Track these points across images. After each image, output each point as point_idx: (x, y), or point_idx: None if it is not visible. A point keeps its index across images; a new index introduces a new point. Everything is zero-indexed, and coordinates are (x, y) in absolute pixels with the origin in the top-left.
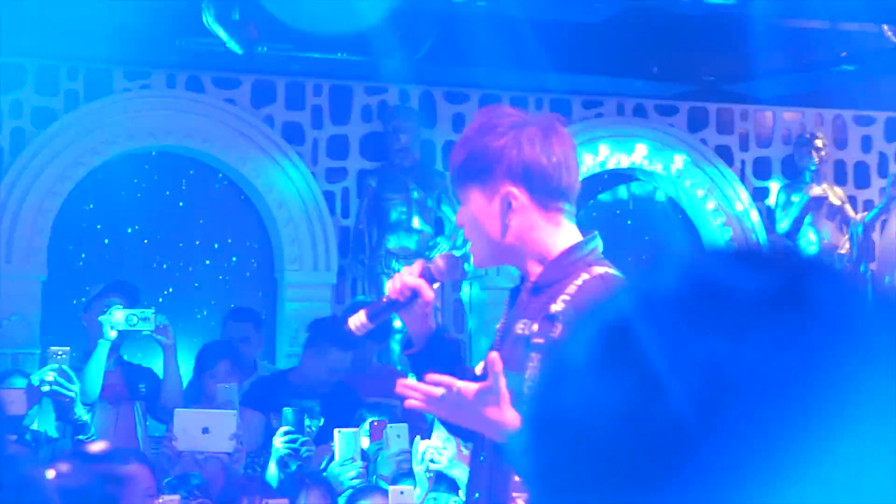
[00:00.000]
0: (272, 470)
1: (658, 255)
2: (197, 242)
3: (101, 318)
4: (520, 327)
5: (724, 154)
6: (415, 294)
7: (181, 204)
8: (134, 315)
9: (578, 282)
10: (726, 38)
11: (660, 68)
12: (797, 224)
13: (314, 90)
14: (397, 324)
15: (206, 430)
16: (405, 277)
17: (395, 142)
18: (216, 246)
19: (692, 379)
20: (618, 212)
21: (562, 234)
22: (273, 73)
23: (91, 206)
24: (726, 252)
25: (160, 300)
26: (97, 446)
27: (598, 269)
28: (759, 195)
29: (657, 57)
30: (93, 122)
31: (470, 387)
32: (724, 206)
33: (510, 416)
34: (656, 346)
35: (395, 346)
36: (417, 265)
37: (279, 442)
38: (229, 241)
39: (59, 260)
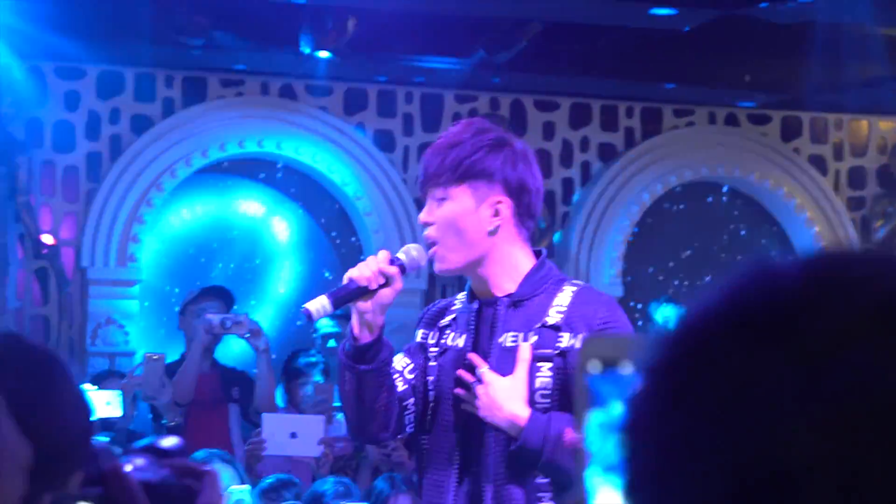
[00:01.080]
0: (364, 475)
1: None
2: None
3: (196, 321)
4: (509, 340)
5: (818, 163)
6: (385, 283)
7: (274, 210)
8: (228, 319)
9: (567, 294)
10: (820, 46)
11: (752, 77)
12: (892, 234)
13: (405, 98)
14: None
15: (294, 435)
16: (382, 264)
17: None
18: (306, 252)
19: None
20: (714, 218)
21: (525, 250)
22: (364, 80)
23: (185, 211)
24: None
25: (252, 303)
26: (169, 441)
27: (577, 282)
28: (853, 205)
29: (749, 66)
30: (188, 129)
31: (498, 377)
32: (817, 216)
33: (525, 411)
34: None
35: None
36: (384, 254)
37: (372, 447)
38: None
39: (154, 264)
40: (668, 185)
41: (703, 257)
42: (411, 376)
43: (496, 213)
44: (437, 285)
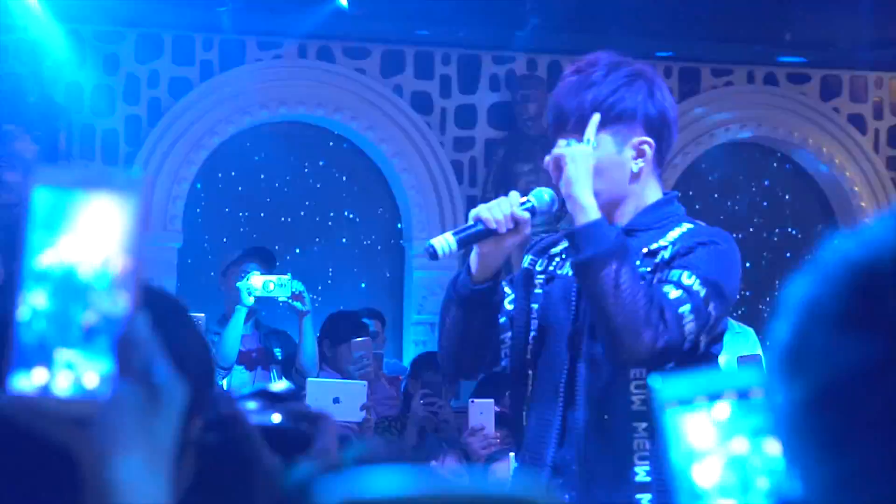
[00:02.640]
0: (411, 434)
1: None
2: (330, 213)
3: (238, 283)
4: None
5: (858, 122)
6: (514, 228)
7: (309, 171)
8: (271, 281)
9: (682, 229)
10: (860, 3)
11: (792, 35)
12: None
13: (442, 59)
14: None
15: (337, 400)
16: (515, 208)
17: (522, 111)
18: (346, 214)
19: None
20: (761, 183)
21: (657, 187)
22: (402, 42)
23: (224, 174)
24: None
25: (294, 269)
26: (280, 385)
27: (699, 223)
28: (893, 164)
29: (789, 24)
30: (226, 91)
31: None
32: (857, 176)
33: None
34: None
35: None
36: (516, 195)
37: (419, 405)
38: (358, 210)
39: (194, 228)
40: (705, 146)
41: (741, 218)
42: (510, 307)
43: (639, 154)
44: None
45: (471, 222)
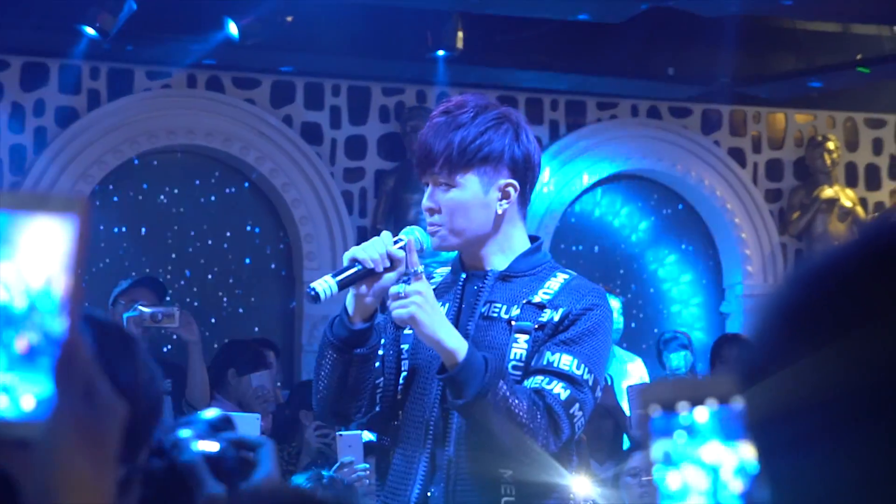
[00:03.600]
0: (303, 463)
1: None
2: (223, 241)
3: (125, 314)
4: (493, 311)
5: (737, 156)
6: (390, 267)
7: (202, 202)
8: (159, 312)
9: (558, 280)
10: (740, 40)
11: (675, 70)
12: (808, 226)
13: (332, 91)
14: None
15: None
16: (389, 247)
17: (412, 142)
18: (239, 242)
19: None
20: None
21: (523, 229)
22: (292, 73)
23: (113, 203)
24: None
25: (184, 299)
26: (212, 413)
27: (571, 272)
28: (771, 197)
29: (672, 58)
30: (114, 121)
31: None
32: (737, 208)
33: (463, 342)
34: None
35: None
36: (388, 235)
37: (312, 436)
38: (249, 239)
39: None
40: (591, 180)
41: (612, 253)
42: (381, 352)
43: (504, 196)
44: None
45: (346, 264)
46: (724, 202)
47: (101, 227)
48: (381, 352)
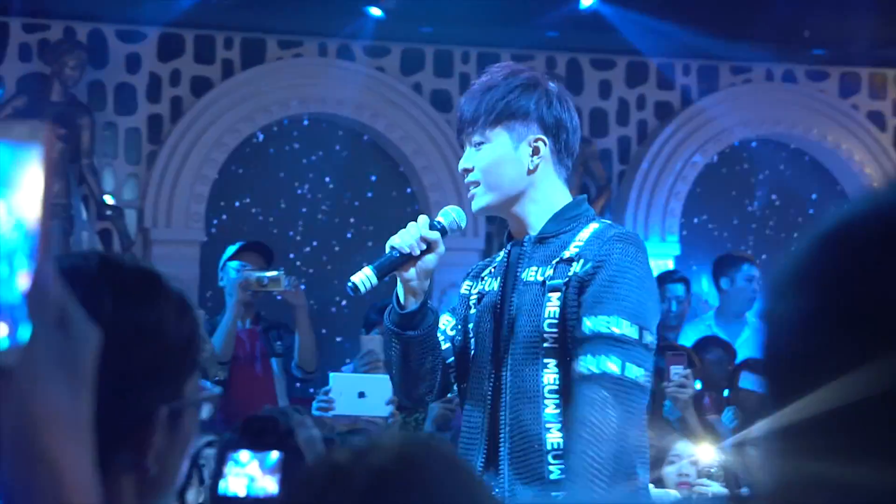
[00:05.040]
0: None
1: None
2: (348, 211)
3: (233, 277)
4: (530, 275)
5: (877, 120)
6: (427, 249)
7: (330, 169)
8: (265, 276)
9: (589, 230)
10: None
11: (811, 32)
12: None
13: (462, 58)
14: None
15: (363, 394)
16: (422, 230)
17: None
18: (361, 210)
19: None
20: (773, 177)
21: (563, 190)
22: (420, 41)
23: (243, 170)
24: None
25: (304, 263)
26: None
27: (606, 221)
28: None
29: (808, 21)
30: (247, 90)
31: None
32: (876, 173)
33: None
34: None
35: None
36: (424, 219)
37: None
38: (377, 205)
39: (215, 224)
40: (725, 145)
41: (763, 216)
42: (452, 333)
43: (535, 152)
44: (495, 243)
45: (387, 251)
46: (861, 167)
47: (233, 195)
48: (453, 332)
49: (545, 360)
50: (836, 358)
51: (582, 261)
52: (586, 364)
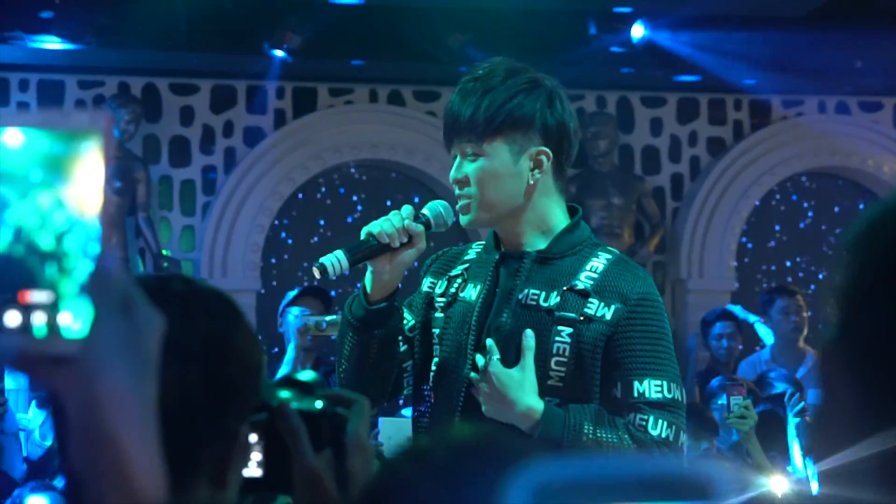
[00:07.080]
0: None
1: None
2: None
3: (292, 322)
4: (531, 298)
5: None
6: (408, 242)
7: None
8: (323, 321)
9: (601, 261)
10: None
11: (864, 62)
12: None
13: None
14: None
15: None
16: (407, 221)
17: (593, 148)
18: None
19: None
20: (825, 208)
21: (561, 203)
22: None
23: (294, 218)
24: None
25: None
26: (307, 375)
27: (612, 250)
28: None
29: (860, 51)
30: (300, 138)
31: (505, 370)
32: None
33: (540, 403)
34: None
35: None
36: (409, 209)
37: None
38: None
39: (271, 273)
40: (778, 178)
41: (818, 247)
42: (411, 334)
43: (537, 165)
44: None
45: (363, 237)
46: None
47: (290, 241)
48: (410, 333)
49: (547, 399)
50: None
51: (601, 303)
52: (635, 423)
